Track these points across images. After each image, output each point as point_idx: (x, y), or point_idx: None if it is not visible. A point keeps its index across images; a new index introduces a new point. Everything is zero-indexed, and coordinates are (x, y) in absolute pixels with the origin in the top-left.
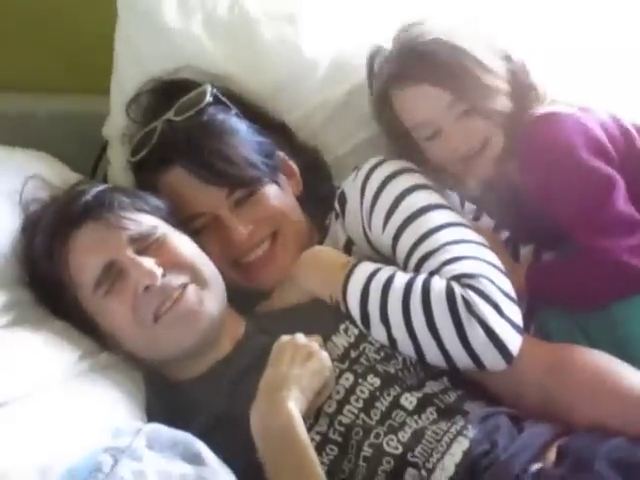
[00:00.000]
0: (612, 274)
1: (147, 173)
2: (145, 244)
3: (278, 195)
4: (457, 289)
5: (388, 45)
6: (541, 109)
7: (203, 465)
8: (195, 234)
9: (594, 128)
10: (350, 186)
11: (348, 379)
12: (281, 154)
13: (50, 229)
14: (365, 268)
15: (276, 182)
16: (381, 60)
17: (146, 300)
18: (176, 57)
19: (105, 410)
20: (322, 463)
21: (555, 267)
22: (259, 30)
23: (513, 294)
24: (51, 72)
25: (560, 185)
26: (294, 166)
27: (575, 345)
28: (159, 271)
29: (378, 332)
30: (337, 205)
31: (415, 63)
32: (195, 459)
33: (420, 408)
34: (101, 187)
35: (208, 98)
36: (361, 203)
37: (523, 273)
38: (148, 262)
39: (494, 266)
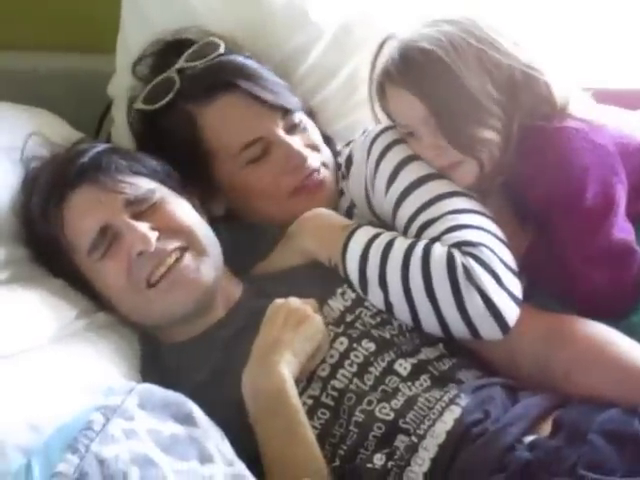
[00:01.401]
0: (592, 302)
1: (179, 112)
2: (141, 208)
3: (312, 126)
4: (458, 256)
5: (403, 32)
6: (554, 122)
7: (194, 426)
8: (248, 165)
9: (606, 145)
10: (357, 148)
11: (343, 343)
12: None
13: (46, 190)
14: (366, 231)
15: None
16: (388, 50)
17: (140, 264)
18: (184, 16)
19: (99, 369)
20: (313, 427)
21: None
22: None
23: (514, 265)
24: (54, 30)
25: (561, 207)
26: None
27: (573, 316)
28: (154, 236)
29: (375, 296)
30: (344, 166)
31: (403, 67)
32: (186, 419)
33: (414, 375)
34: (99, 148)
35: (222, 48)
36: (366, 164)
37: (527, 241)
38: (142, 226)
39: (496, 236)
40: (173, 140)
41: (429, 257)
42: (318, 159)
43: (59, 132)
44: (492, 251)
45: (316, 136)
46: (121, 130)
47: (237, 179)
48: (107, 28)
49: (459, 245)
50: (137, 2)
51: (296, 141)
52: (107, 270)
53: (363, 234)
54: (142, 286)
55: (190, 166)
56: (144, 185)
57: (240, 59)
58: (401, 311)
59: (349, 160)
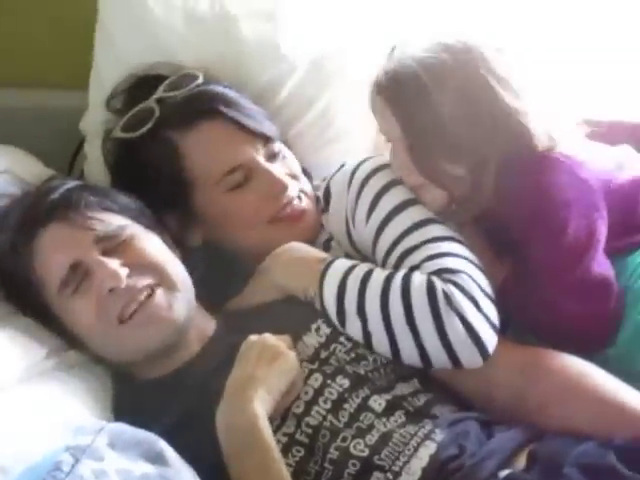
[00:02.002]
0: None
1: (160, 140)
2: (112, 244)
3: (292, 156)
4: (438, 283)
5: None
6: (539, 152)
7: (166, 465)
8: (229, 192)
9: (588, 180)
10: (336, 180)
11: (317, 380)
12: None
13: (16, 227)
14: (343, 262)
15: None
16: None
17: (110, 301)
18: (156, 52)
19: (69, 408)
20: (288, 464)
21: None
22: (238, 27)
23: (491, 293)
24: (25, 66)
25: (542, 239)
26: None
27: (549, 349)
28: (124, 272)
29: (353, 327)
30: (322, 201)
31: (389, 83)
32: (158, 459)
33: (389, 411)
34: (70, 184)
35: (201, 78)
36: (347, 195)
37: (502, 273)
38: (113, 263)
39: (474, 264)
40: (152, 169)
41: (409, 284)
42: (298, 188)
43: (30, 169)
44: (471, 278)
45: (295, 166)
46: (94, 166)
47: (217, 207)
48: (79, 64)
49: (439, 272)
50: (110, 37)
51: (277, 169)
52: (78, 307)
53: (340, 265)
54: (113, 323)
55: (168, 196)
56: (114, 222)
57: (220, 88)
58: (380, 341)
59: (327, 193)
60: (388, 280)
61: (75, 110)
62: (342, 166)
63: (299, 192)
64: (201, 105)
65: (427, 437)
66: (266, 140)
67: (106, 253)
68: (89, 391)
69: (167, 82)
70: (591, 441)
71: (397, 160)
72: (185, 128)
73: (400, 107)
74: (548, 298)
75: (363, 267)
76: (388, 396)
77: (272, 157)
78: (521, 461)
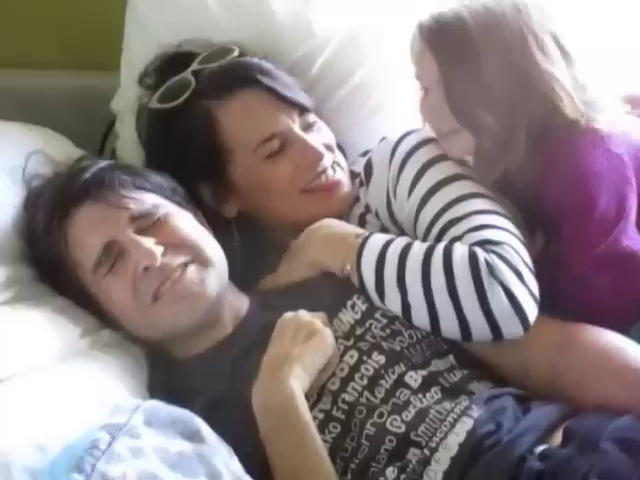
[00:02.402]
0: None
1: (195, 109)
2: (146, 223)
3: (325, 127)
4: (480, 253)
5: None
6: (571, 121)
7: (202, 442)
8: (266, 160)
9: (621, 155)
10: (377, 153)
11: (353, 356)
12: None
13: (50, 208)
14: (381, 236)
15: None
16: None
17: (146, 280)
18: (187, 29)
19: (105, 387)
20: (324, 441)
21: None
22: (271, 4)
23: (532, 265)
24: (56, 49)
25: (573, 211)
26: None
27: (583, 324)
28: (159, 251)
29: (392, 299)
30: (363, 174)
31: (433, 26)
32: (194, 436)
33: (425, 387)
34: (102, 164)
35: (236, 52)
36: (388, 170)
37: (534, 251)
38: (148, 242)
39: (516, 236)
40: (188, 139)
41: (451, 255)
42: (332, 159)
43: (62, 150)
44: (514, 249)
45: (330, 137)
46: (126, 144)
47: (253, 175)
48: (110, 47)
49: (481, 243)
50: (141, 17)
51: (313, 138)
52: (112, 286)
53: (378, 239)
54: (148, 302)
55: (204, 166)
56: (148, 200)
57: (256, 59)
58: (419, 313)
59: (368, 167)
60: (429, 251)
61: (104, 91)
62: (383, 139)
63: (333, 163)
64: (237, 74)
65: (464, 413)
66: (302, 110)
67: (140, 232)
68: (124, 369)
69: (203, 55)
70: (627, 415)
71: (430, 105)
72: (222, 97)
73: (442, 53)
74: (578, 272)
75: (402, 240)
76: (424, 372)
77: (308, 127)
78: (557, 437)
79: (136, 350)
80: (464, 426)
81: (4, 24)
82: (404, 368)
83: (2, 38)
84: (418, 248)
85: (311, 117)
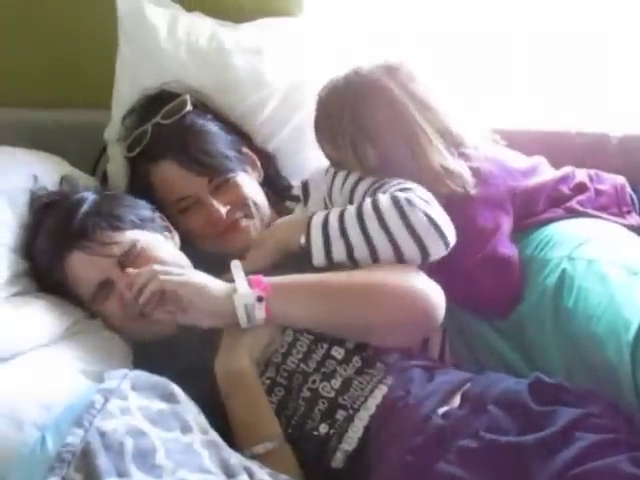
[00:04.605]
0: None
1: (142, 165)
2: (129, 259)
3: (247, 181)
4: (400, 194)
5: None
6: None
7: (177, 403)
8: (181, 213)
9: (498, 185)
10: (314, 176)
11: (289, 335)
12: (246, 149)
13: (46, 253)
14: (324, 212)
15: (244, 171)
16: None
17: (132, 305)
18: (164, 75)
19: (100, 359)
20: (271, 402)
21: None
22: (231, 59)
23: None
24: (61, 89)
25: (458, 227)
26: (256, 158)
27: None
28: None
29: (338, 248)
30: (301, 194)
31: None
32: (170, 398)
33: (347, 357)
34: (86, 207)
35: (189, 106)
36: (325, 182)
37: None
38: (133, 273)
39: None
40: (141, 184)
41: (377, 201)
42: (241, 212)
43: (58, 169)
44: (424, 193)
45: (247, 189)
46: (115, 166)
47: (176, 223)
48: (102, 87)
49: (399, 190)
50: (128, 65)
51: (221, 198)
52: (107, 310)
53: (322, 213)
54: (136, 317)
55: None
56: (127, 239)
57: (198, 122)
58: (361, 252)
59: (305, 188)
60: (360, 204)
61: (98, 125)
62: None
63: (241, 216)
64: (164, 146)
65: (380, 382)
66: (212, 175)
67: (125, 266)
68: (114, 346)
69: (165, 109)
70: (511, 380)
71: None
72: (154, 161)
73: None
74: (464, 271)
75: (338, 208)
76: (347, 345)
77: (217, 188)
78: (456, 400)
79: None
80: (380, 392)
81: (14, 67)
82: (329, 344)
83: (10, 79)
84: (351, 207)
85: (223, 178)
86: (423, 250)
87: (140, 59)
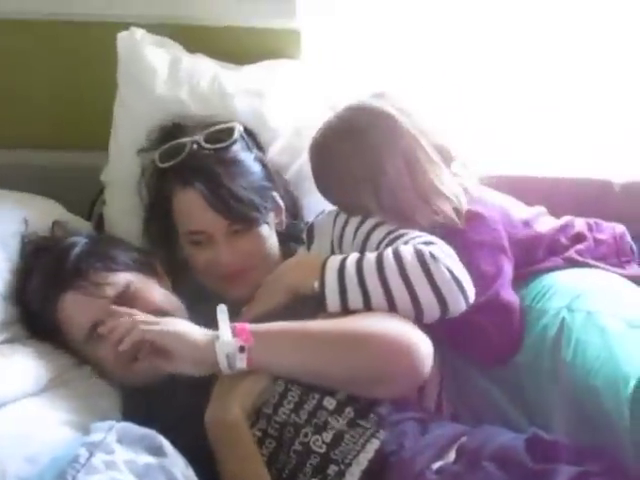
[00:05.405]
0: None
1: (167, 180)
2: (122, 300)
3: (267, 235)
4: (424, 247)
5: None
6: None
7: (164, 456)
8: (191, 244)
9: (500, 230)
10: (320, 222)
11: (280, 385)
12: (276, 195)
13: (40, 294)
14: (339, 256)
15: (267, 222)
16: None
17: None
18: (164, 118)
19: (87, 409)
20: (262, 454)
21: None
22: (233, 102)
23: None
24: (57, 131)
25: None
26: (282, 206)
27: None
28: None
29: (354, 297)
30: (305, 237)
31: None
32: (157, 451)
33: (339, 408)
34: (78, 249)
35: (235, 135)
36: (333, 228)
37: None
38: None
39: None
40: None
41: (399, 251)
42: (246, 263)
43: (53, 214)
44: (447, 248)
45: (265, 244)
46: (112, 210)
47: (185, 251)
48: (100, 130)
49: (422, 243)
50: (126, 107)
51: (232, 244)
52: (99, 351)
53: (337, 256)
54: (126, 362)
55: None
56: (121, 280)
57: (239, 157)
58: (378, 302)
59: (310, 233)
60: (380, 253)
61: (93, 167)
62: (322, 212)
63: (247, 269)
64: (196, 173)
65: (372, 435)
66: (234, 220)
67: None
68: (102, 395)
69: (209, 131)
70: (507, 434)
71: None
72: (179, 185)
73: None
74: (465, 315)
75: (356, 254)
76: (338, 397)
77: (235, 233)
78: (451, 454)
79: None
80: (373, 445)
81: (14, 111)
82: (321, 394)
83: (11, 122)
84: (370, 255)
85: (243, 227)
86: (443, 306)
87: (139, 101)
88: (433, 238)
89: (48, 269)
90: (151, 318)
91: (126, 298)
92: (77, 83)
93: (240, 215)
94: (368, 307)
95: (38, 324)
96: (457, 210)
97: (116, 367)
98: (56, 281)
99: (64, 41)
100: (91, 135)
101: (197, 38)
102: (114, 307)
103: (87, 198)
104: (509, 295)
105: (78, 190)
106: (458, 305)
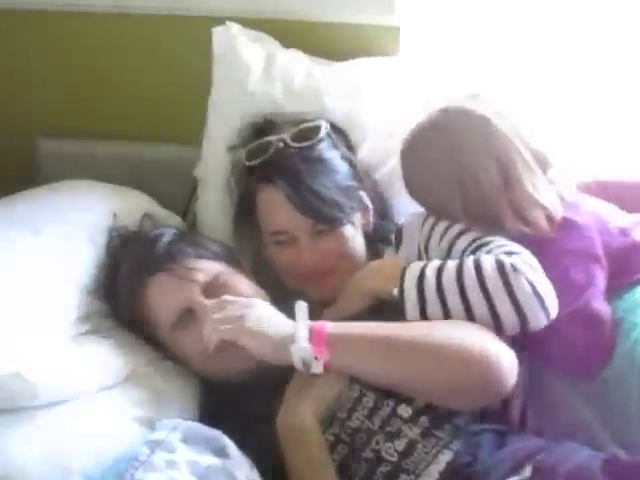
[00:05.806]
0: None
1: (251, 182)
2: (212, 288)
3: (351, 235)
4: (505, 258)
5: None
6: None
7: (228, 458)
8: (274, 243)
9: (593, 238)
10: (408, 225)
11: (356, 390)
12: (364, 195)
13: (130, 278)
14: (419, 262)
15: (352, 222)
16: None
17: None
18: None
19: (160, 405)
20: (334, 460)
21: None
22: (325, 99)
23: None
24: (153, 125)
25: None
26: (370, 206)
27: None
28: None
29: (433, 306)
30: (394, 239)
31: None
32: (222, 453)
33: (414, 417)
34: (169, 237)
35: (322, 134)
36: (421, 231)
37: None
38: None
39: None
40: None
41: (479, 262)
42: (328, 263)
43: (144, 207)
44: (530, 258)
45: (349, 244)
46: (204, 205)
47: (268, 251)
48: (195, 126)
49: (504, 253)
50: (218, 107)
51: (316, 245)
52: (185, 340)
53: (418, 263)
54: (214, 353)
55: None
56: (212, 269)
57: (325, 155)
58: (458, 314)
59: (399, 234)
60: (460, 262)
61: (189, 161)
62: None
63: (329, 270)
64: (280, 171)
65: (445, 447)
66: (318, 220)
67: (208, 296)
68: (180, 392)
69: (297, 129)
70: (585, 451)
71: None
72: (262, 182)
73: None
74: (553, 325)
75: (437, 261)
76: (415, 405)
77: (319, 233)
78: (528, 470)
79: (191, 375)
80: (445, 457)
81: (123, 104)
82: (395, 401)
83: (118, 115)
84: (451, 263)
85: (327, 227)
86: (523, 320)
87: (232, 97)
88: (518, 247)
89: (138, 255)
90: (238, 303)
91: (215, 287)
92: (173, 78)
93: (322, 215)
94: (447, 317)
95: (125, 310)
96: (550, 218)
97: (201, 358)
98: (147, 264)
99: (162, 36)
100: (186, 130)
101: (293, 33)
102: (205, 302)
103: (181, 192)
104: (600, 305)
105: (173, 183)
106: (538, 320)
